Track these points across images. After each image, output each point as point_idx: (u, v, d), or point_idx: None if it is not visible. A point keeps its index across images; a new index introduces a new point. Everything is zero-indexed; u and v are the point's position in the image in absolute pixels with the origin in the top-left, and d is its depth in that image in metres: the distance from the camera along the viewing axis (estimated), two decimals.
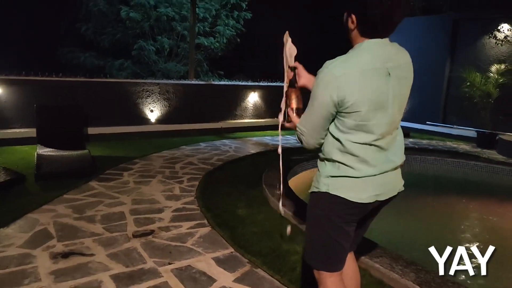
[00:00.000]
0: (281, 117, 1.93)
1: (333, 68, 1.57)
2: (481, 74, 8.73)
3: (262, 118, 9.67)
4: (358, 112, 1.57)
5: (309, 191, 1.84)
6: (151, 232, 3.42)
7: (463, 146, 8.04)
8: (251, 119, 9.55)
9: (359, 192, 1.68)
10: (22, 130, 6.58)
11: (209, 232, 3.49)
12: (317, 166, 1.83)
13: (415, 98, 10.18)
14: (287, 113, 1.90)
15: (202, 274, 2.77)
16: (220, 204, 4.18)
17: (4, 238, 3.17)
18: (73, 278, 2.63)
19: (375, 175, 1.69)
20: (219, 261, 2.96)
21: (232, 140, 7.96)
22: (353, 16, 1.61)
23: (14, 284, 2.53)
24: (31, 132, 6.29)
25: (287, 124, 1.91)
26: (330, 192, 1.70)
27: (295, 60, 1.94)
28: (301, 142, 1.77)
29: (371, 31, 1.60)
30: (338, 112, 1.61)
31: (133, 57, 14.10)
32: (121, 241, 3.23)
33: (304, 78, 1.93)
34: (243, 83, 9.74)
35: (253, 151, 6.96)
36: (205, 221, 3.72)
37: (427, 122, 9.73)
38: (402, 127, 1.82)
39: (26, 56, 12.54)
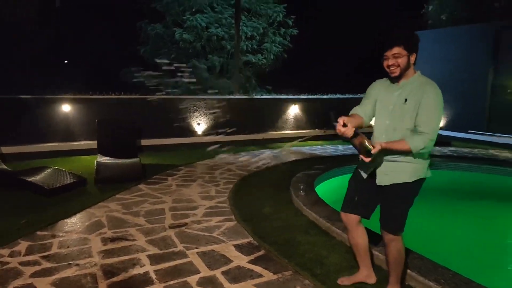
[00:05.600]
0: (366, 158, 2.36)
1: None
2: None
3: (302, 129, 10.08)
4: None
5: (407, 180, 2.43)
6: (185, 224, 3.99)
7: (506, 154, 7.88)
8: (291, 130, 10.00)
9: None
10: (86, 142, 7.55)
11: (234, 225, 3.99)
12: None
13: (457, 107, 10.06)
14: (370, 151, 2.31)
15: (221, 256, 3.27)
16: (248, 204, 4.67)
17: (68, 226, 3.90)
18: (118, 256, 3.25)
19: None
20: (238, 247, 3.44)
21: (271, 150, 8.44)
22: (415, 55, 2.41)
23: (73, 258, 3.20)
24: (93, 144, 7.21)
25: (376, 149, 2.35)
26: (425, 177, 2.49)
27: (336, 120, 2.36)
28: (429, 148, 2.37)
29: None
30: None
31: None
32: (159, 230, 3.82)
33: (349, 121, 2.33)
34: (284, 97, 10.22)
35: (289, 160, 7.39)
36: (233, 217, 4.23)
37: (469, 131, 9.55)
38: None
39: (95, 78, 14.03)
